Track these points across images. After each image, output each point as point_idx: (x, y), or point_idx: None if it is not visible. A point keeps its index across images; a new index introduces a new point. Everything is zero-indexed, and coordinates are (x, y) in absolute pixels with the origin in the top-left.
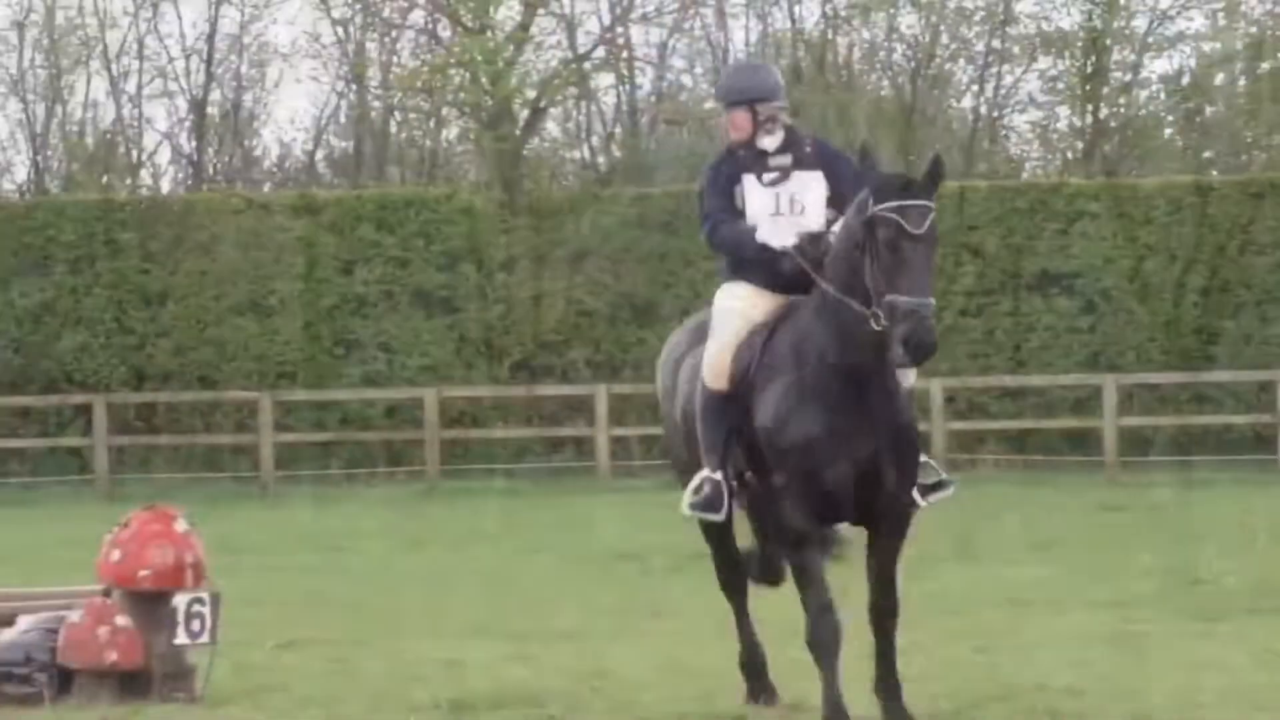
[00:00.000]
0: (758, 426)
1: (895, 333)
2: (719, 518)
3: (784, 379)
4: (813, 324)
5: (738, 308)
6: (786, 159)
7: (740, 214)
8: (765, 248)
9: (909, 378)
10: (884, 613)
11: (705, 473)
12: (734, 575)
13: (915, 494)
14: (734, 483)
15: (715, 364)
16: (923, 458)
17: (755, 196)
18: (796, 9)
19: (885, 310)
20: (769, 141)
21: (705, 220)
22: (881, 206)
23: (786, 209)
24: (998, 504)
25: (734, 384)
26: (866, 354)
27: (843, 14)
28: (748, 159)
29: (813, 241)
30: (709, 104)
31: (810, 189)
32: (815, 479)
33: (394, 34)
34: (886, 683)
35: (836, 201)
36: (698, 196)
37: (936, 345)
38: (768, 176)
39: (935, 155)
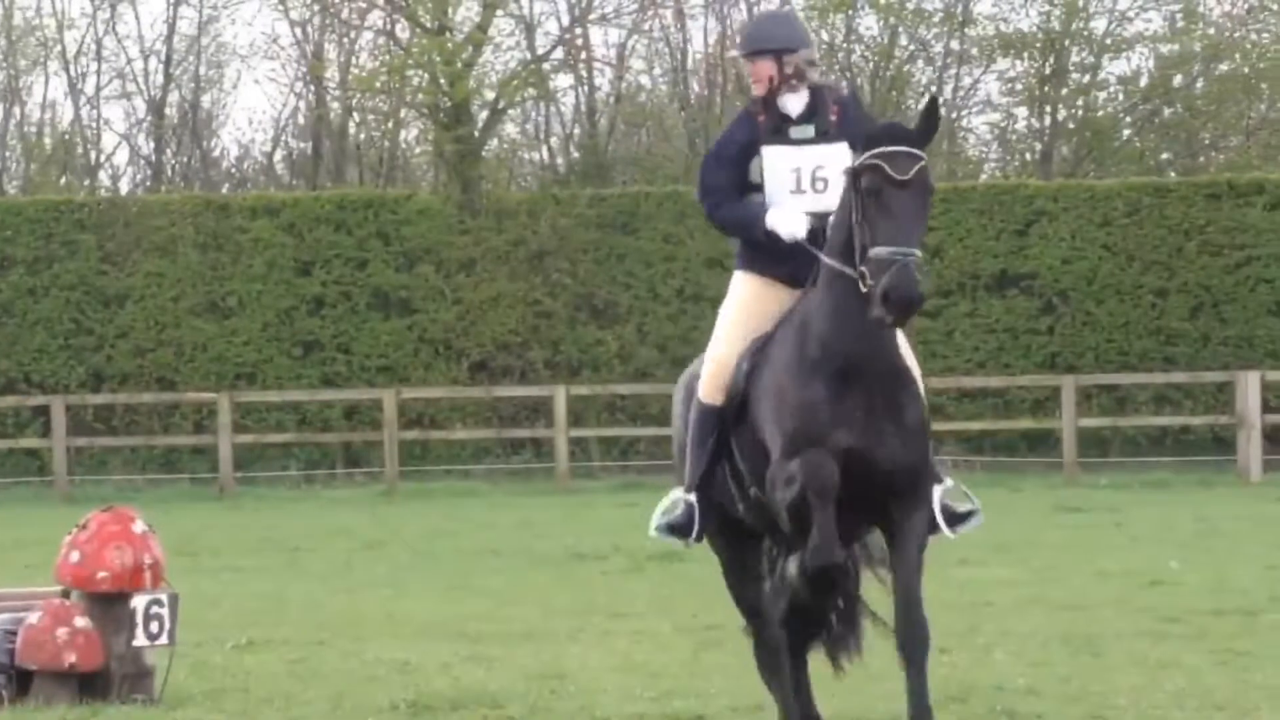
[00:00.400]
0: (757, 419)
1: (876, 287)
2: (683, 544)
3: (787, 365)
4: (813, 308)
5: (742, 312)
6: (809, 130)
7: (756, 188)
8: (773, 235)
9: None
10: (911, 639)
11: (679, 493)
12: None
13: (941, 522)
14: (741, 505)
15: (711, 377)
16: (951, 482)
17: (775, 170)
18: (755, 10)
19: (869, 266)
20: (792, 103)
21: (706, 195)
22: (867, 154)
23: (808, 186)
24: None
25: (729, 397)
26: (869, 339)
27: (801, 15)
28: (767, 128)
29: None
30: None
31: (834, 163)
32: (818, 447)
33: (352, 35)
34: None
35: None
36: (700, 165)
37: (922, 297)
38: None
39: (931, 98)
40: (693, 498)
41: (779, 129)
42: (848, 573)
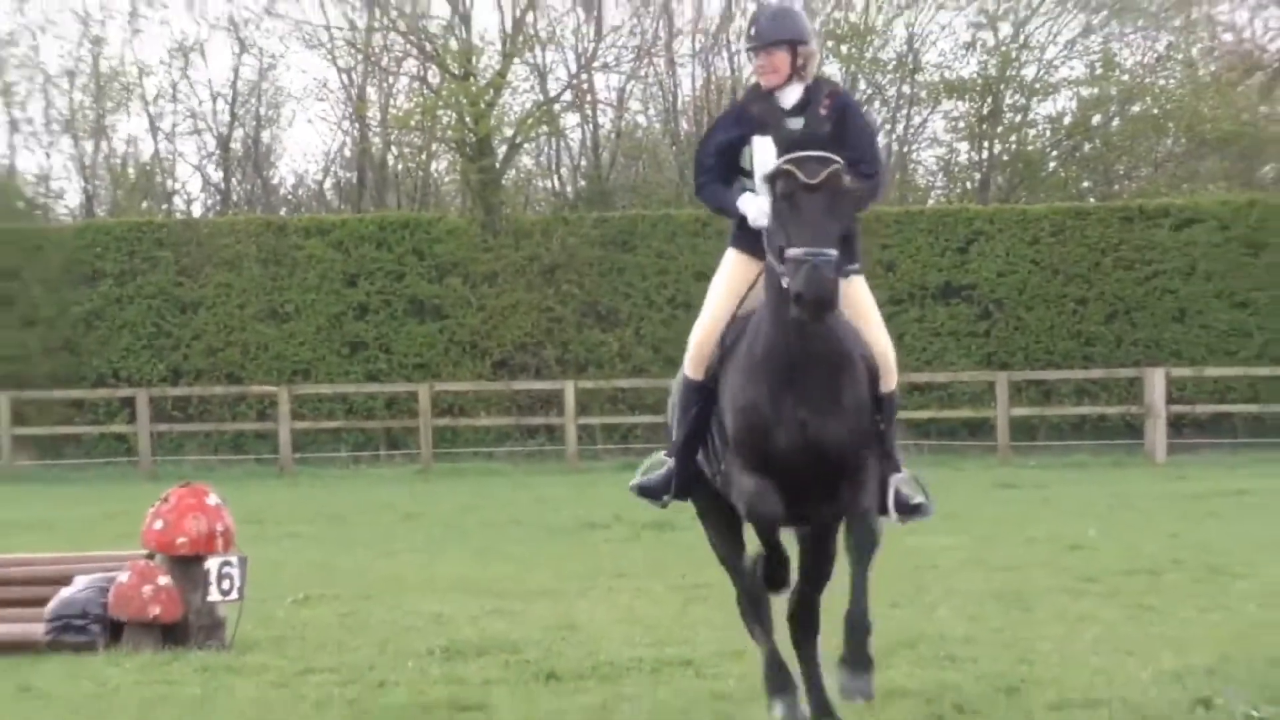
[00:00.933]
0: (722, 410)
1: (790, 288)
2: (658, 505)
3: (740, 362)
4: (761, 305)
5: (725, 285)
6: (799, 122)
7: (748, 173)
8: (745, 218)
9: (889, 379)
10: (862, 541)
11: (661, 455)
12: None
13: (891, 507)
14: (717, 477)
15: (696, 352)
16: (909, 472)
17: (763, 159)
18: (736, 59)
19: (787, 267)
20: (789, 95)
21: (697, 175)
22: (781, 160)
23: None
24: None
25: (708, 375)
26: (807, 334)
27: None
28: (760, 119)
29: None
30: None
31: None
32: (761, 447)
33: (391, 80)
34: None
35: (851, 165)
36: (699, 143)
37: (832, 295)
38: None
39: (840, 106)
40: (671, 462)
41: (771, 120)
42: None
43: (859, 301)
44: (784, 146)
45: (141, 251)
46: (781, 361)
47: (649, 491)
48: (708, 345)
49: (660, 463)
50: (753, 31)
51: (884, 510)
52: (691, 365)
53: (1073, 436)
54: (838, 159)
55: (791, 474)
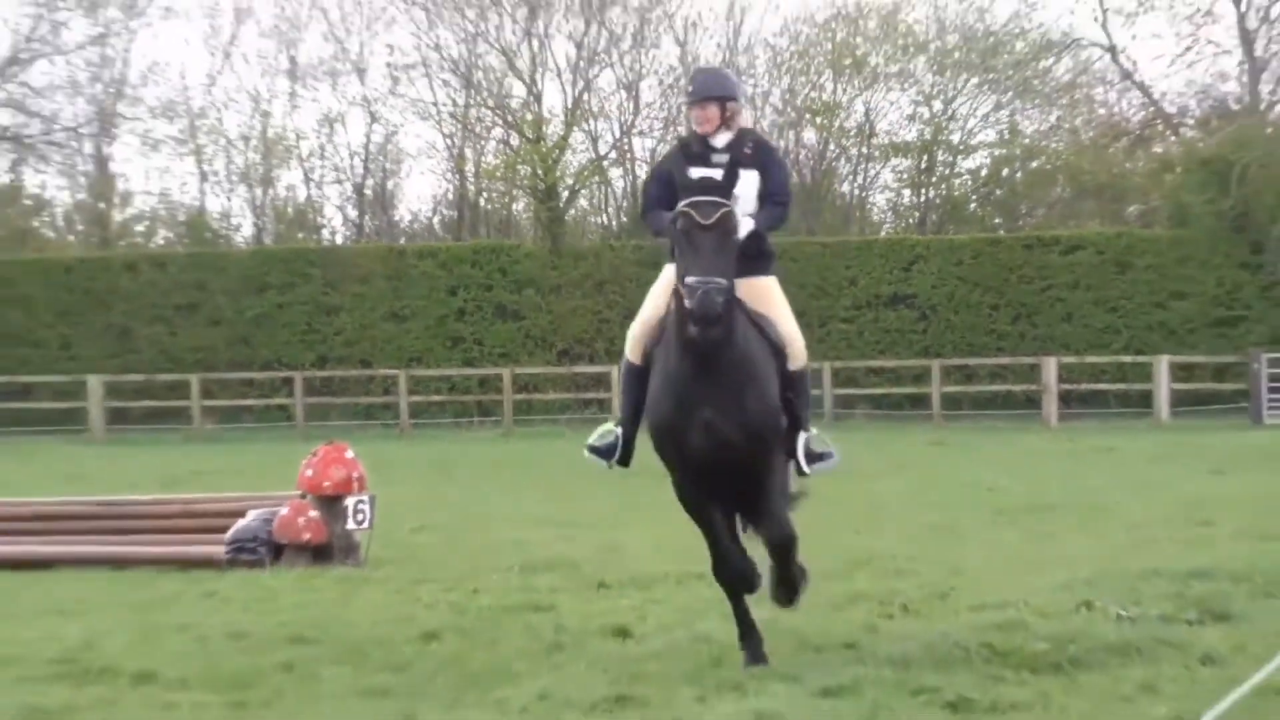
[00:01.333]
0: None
1: (687, 310)
2: (605, 464)
3: (659, 365)
4: (675, 315)
5: (662, 290)
6: (725, 157)
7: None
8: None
9: (797, 359)
10: (775, 544)
11: (611, 425)
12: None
13: (801, 460)
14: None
15: (634, 339)
16: (814, 430)
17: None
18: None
19: (686, 292)
20: (722, 138)
21: (644, 203)
22: (681, 203)
23: None
24: (865, 441)
25: (645, 359)
26: (709, 342)
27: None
28: (693, 155)
29: None
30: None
31: (744, 184)
32: (679, 450)
33: (482, 143)
34: (781, 578)
35: (765, 196)
36: (645, 183)
37: (717, 314)
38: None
39: (729, 159)
40: (619, 431)
41: (704, 155)
42: (748, 569)
43: (769, 295)
44: (686, 192)
45: (298, 270)
46: (686, 368)
47: (600, 453)
48: (644, 335)
49: (610, 432)
50: (690, 89)
51: (795, 463)
52: (631, 349)
53: (988, 408)
54: (729, 203)
55: (706, 467)
